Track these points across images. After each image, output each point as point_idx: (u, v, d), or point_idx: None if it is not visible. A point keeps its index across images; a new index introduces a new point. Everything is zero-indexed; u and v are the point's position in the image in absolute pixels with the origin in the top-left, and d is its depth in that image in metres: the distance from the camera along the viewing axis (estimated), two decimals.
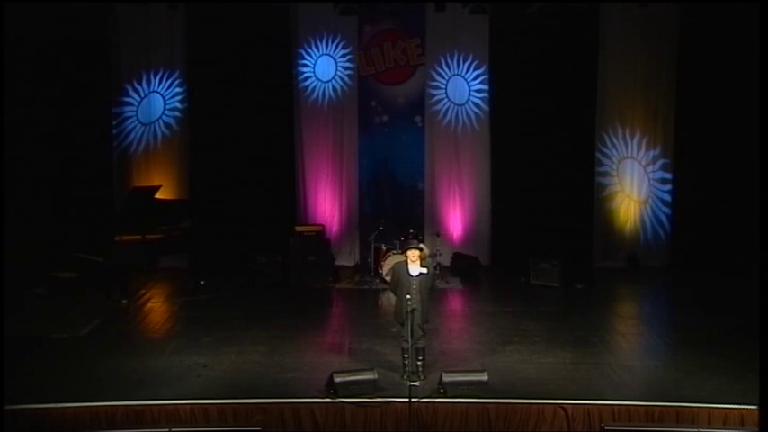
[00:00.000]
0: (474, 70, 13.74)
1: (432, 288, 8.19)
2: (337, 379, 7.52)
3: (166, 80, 13.57)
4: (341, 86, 13.77)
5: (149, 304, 11.30)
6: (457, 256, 13.49)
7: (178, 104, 13.62)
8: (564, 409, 7.35)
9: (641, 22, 13.35)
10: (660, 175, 13.84)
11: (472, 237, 13.92)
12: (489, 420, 7.35)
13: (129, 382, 7.91)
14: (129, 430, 7.16)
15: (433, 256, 12.08)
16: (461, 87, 13.81)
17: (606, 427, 7.19)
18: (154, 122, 13.68)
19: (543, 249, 12.53)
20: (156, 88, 13.59)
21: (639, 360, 8.87)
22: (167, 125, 13.69)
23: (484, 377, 7.63)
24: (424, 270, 7.97)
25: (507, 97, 13.45)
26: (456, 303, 11.72)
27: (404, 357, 7.90)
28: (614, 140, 13.81)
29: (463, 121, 13.84)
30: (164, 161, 13.65)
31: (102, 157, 13.27)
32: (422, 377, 7.89)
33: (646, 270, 13.50)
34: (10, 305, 9.22)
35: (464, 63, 13.73)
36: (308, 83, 13.73)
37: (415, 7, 13.48)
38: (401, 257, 10.69)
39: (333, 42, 13.67)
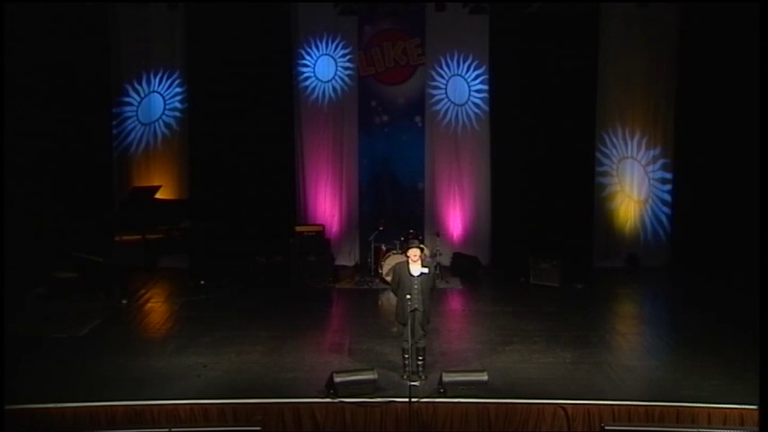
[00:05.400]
0: (474, 70, 13.74)
1: (432, 288, 8.18)
2: (337, 379, 7.52)
3: (166, 80, 13.58)
4: (341, 86, 13.77)
5: (149, 304, 11.30)
6: (457, 256, 13.49)
7: (178, 104, 13.63)
8: (564, 409, 7.35)
9: (641, 22, 13.35)
10: (660, 174, 13.85)
11: (472, 237, 13.92)
12: (489, 420, 7.36)
13: (129, 382, 7.91)
14: (129, 430, 7.17)
15: (433, 256, 12.10)
16: (461, 87, 13.81)
17: (606, 427, 7.20)
18: (154, 122, 13.69)
19: (543, 249, 12.54)
20: (156, 88, 13.60)
21: (639, 360, 8.88)
22: (167, 125, 13.70)
23: (484, 377, 7.64)
24: (426, 270, 7.97)
25: (507, 97, 13.45)
26: (456, 303, 11.72)
27: (404, 357, 7.90)
28: (614, 140, 13.81)
29: (463, 121, 13.84)
30: (164, 161, 13.66)
31: (102, 157, 13.28)
32: (422, 377, 7.89)
33: (646, 270, 13.50)
34: (10, 305, 9.21)
35: (464, 63, 13.74)
36: (308, 83, 13.73)
37: (415, 7, 13.48)
38: (401, 257, 10.73)
39: (333, 42, 13.67)
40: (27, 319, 10.04)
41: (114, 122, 13.52)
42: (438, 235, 12.95)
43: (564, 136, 13.13)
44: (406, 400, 7.28)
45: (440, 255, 12.73)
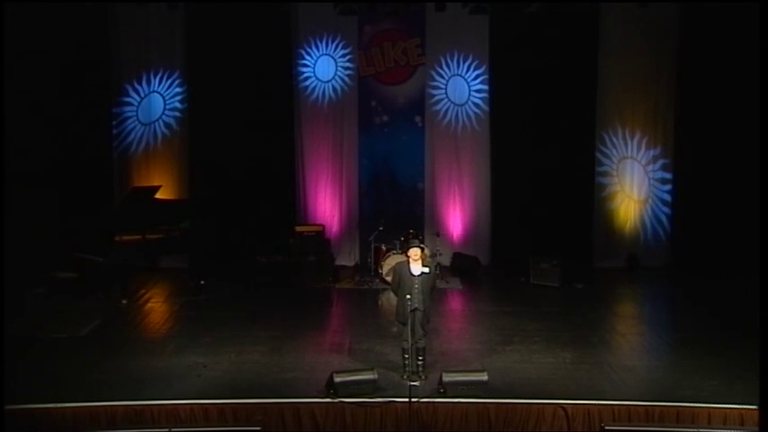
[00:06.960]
0: (474, 70, 13.74)
1: (433, 287, 8.18)
2: (337, 379, 7.52)
3: (166, 80, 13.58)
4: (341, 86, 13.77)
5: (149, 304, 11.30)
6: (457, 256, 13.49)
7: (178, 104, 13.62)
8: (564, 409, 7.35)
9: (641, 22, 13.34)
10: (660, 175, 13.84)
11: (472, 237, 13.92)
12: (489, 420, 7.36)
13: (129, 382, 7.91)
14: (129, 430, 7.17)
15: (433, 255, 12.10)
16: (461, 87, 13.81)
17: (606, 427, 7.20)
18: (154, 122, 13.68)
19: (543, 249, 12.53)
20: (156, 88, 13.59)
21: (639, 360, 8.88)
22: (167, 125, 13.69)
23: (484, 377, 7.63)
24: (426, 269, 7.96)
25: (507, 97, 13.45)
26: (456, 303, 11.72)
27: (404, 357, 7.90)
28: (614, 140, 13.81)
29: (463, 121, 13.83)
30: (164, 161, 13.65)
31: (102, 157, 13.28)
32: (422, 377, 7.89)
33: (646, 270, 13.49)
34: (10, 305, 9.21)
35: (464, 63, 13.73)
36: (308, 83, 13.73)
37: (415, 7, 13.48)
38: (401, 257, 10.73)
39: (333, 42, 13.67)
40: (27, 319, 10.04)
41: (114, 122, 13.51)
42: (438, 235, 12.95)
43: (564, 136, 13.13)
44: (406, 400, 7.28)
45: (440, 255, 12.72)
